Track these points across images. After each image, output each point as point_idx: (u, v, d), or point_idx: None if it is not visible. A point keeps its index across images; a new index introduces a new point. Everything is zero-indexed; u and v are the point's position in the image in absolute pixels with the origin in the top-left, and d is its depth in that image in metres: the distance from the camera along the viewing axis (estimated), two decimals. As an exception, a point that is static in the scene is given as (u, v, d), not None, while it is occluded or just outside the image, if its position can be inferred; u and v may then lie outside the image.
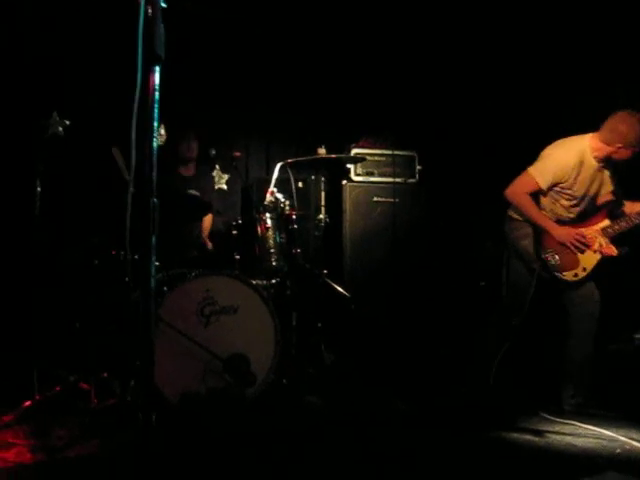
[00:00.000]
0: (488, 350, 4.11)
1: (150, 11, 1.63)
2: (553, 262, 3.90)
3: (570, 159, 3.88)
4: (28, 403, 3.64)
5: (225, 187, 4.83)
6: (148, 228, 1.65)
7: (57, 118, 4.73)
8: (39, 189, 3.82)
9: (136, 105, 1.65)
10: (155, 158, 1.69)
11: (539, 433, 3.51)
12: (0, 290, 4.58)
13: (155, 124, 1.68)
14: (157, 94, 1.69)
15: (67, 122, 4.59)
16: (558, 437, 3.46)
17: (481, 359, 4.16)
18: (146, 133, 1.68)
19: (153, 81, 1.69)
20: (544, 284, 3.99)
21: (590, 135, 3.92)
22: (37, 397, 3.69)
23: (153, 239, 1.65)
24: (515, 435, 3.49)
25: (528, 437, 3.45)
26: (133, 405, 3.49)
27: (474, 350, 4.32)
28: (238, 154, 4.69)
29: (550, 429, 3.58)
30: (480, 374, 4.10)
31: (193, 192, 4.69)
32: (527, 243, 4.01)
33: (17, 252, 4.46)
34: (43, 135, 3.97)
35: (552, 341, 4.26)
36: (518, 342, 4.11)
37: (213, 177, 4.71)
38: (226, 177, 4.90)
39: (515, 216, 4.10)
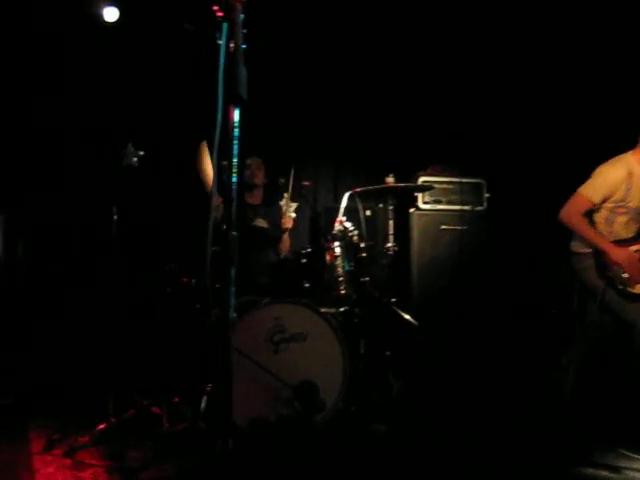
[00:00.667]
0: (565, 381, 4.04)
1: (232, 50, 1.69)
2: (621, 276, 3.85)
3: (618, 171, 3.95)
4: (103, 425, 3.75)
5: (293, 215, 4.89)
6: (228, 259, 1.70)
7: (132, 149, 4.92)
8: (115, 217, 3.97)
9: (217, 142, 1.72)
10: (235, 193, 1.75)
11: (616, 470, 3.39)
12: (78, 315, 4.76)
13: (235, 160, 1.75)
14: (237, 131, 1.76)
15: (141, 153, 4.76)
16: (637, 475, 3.34)
17: (558, 389, 4.09)
18: (226, 169, 1.74)
19: (232, 118, 1.75)
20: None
21: (632, 151, 4.02)
22: (112, 420, 3.80)
23: (232, 271, 1.70)
24: (590, 471, 3.39)
25: (604, 474, 3.35)
26: (204, 430, 3.56)
27: (549, 379, 4.24)
28: (307, 183, 4.76)
29: (628, 466, 3.45)
30: (555, 404, 4.03)
31: (261, 222, 4.78)
32: (591, 274, 3.98)
33: (94, 278, 4.64)
34: (119, 165, 4.11)
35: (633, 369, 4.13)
36: (596, 373, 4.02)
37: (281, 206, 4.78)
38: (294, 206, 4.97)
39: (575, 249, 4.10)
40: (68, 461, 3.44)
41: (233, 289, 1.71)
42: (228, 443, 1.73)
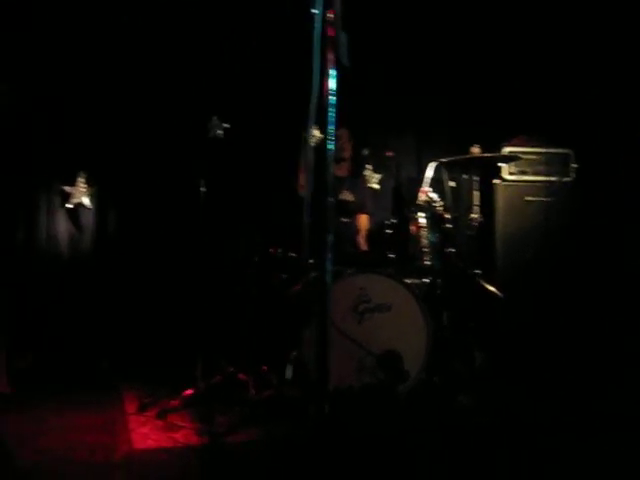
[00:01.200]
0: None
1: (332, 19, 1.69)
2: None
3: None
4: (192, 390, 3.87)
5: (377, 187, 4.88)
6: (325, 226, 1.72)
7: (217, 121, 5.00)
8: (203, 189, 4.05)
9: (313, 108, 1.72)
10: (331, 160, 1.76)
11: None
12: (168, 285, 4.90)
13: (331, 128, 1.75)
14: (334, 98, 1.76)
15: (226, 125, 4.83)
16: None
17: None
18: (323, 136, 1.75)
19: (328, 85, 1.76)
20: None
21: None
22: (200, 385, 3.91)
23: (330, 237, 1.72)
24: None
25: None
26: (290, 397, 3.64)
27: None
28: (390, 153, 4.73)
29: None
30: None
31: (347, 194, 4.78)
32: None
33: (183, 249, 4.76)
34: (205, 137, 4.18)
35: None
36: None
37: (365, 176, 4.77)
38: (378, 177, 4.95)
39: None
40: (160, 422, 3.59)
41: (330, 255, 1.73)
42: (324, 408, 1.76)
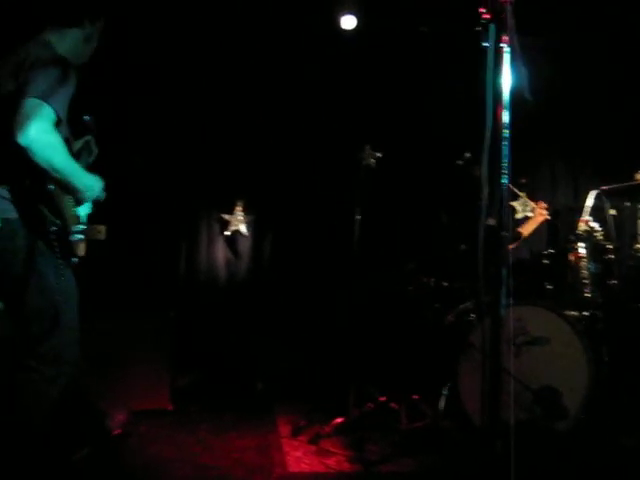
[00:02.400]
0: None
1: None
2: None
3: None
4: (344, 417, 3.91)
5: (530, 215, 4.74)
6: (500, 260, 1.70)
7: (370, 150, 5.07)
8: (358, 217, 4.11)
9: (486, 144, 1.72)
10: (505, 194, 1.75)
11: None
12: (321, 312, 5.00)
13: (505, 161, 1.74)
14: (506, 132, 1.75)
15: (378, 154, 4.89)
16: None
17: None
18: (495, 170, 1.74)
19: (501, 119, 1.75)
20: None
21: None
22: (353, 412, 3.95)
23: (504, 271, 1.70)
24: None
25: None
26: (443, 429, 3.59)
27: None
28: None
29: None
30: None
31: (491, 221, 4.68)
32: None
33: (337, 277, 4.84)
34: (358, 166, 4.25)
35: None
36: None
37: (514, 206, 4.66)
38: (531, 205, 4.82)
39: None
40: (313, 447, 3.65)
41: (505, 289, 1.71)
42: (496, 445, 1.72)
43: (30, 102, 2.31)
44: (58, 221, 2.51)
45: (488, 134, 1.73)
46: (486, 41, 1.79)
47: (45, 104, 2.33)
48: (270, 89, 5.21)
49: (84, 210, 2.72)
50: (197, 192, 5.15)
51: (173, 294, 4.98)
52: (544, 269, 4.05)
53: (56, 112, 2.37)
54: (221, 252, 5.25)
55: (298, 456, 3.51)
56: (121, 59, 4.45)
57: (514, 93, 1.72)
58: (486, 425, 1.79)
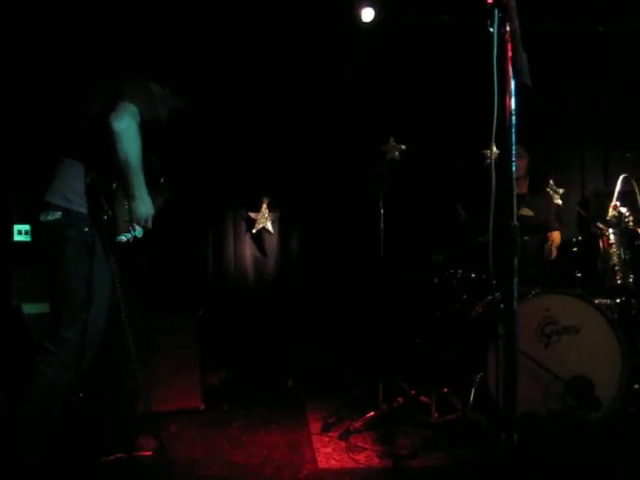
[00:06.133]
0: None
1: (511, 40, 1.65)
2: None
3: None
4: (374, 412, 3.90)
5: (560, 202, 4.67)
6: (510, 250, 1.67)
7: (394, 143, 5.05)
8: (382, 210, 4.09)
9: (494, 129, 1.69)
10: (515, 182, 1.71)
11: None
12: (348, 307, 4.99)
13: (514, 148, 1.71)
14: (514, 119, 1.71)
15: (403, 147, 4.87)
16: None
17: None
18: (505, 157, 1.71)
19: (510, 106, 1.71)
20: None
21: None
22: (382, 407, 3.93)
23: (515, 261, 1.67)
24: None
25: None
26: (474, 421, 3.55)
27: None
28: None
29: None
30: None
31: (526, 211, 4.62)
32: None
33: (363, 271, 4.83)
34: (383, 160, 4.22)
35: None
36: None
37: (548, 193, 4.58)
38: (561, 191, 4.74)
39: None
40: (343, 443, 3.64)
41: (516, 280, 1.67)
42: (512, 436, 1.70)
43: (127, 103, 2.67)
44: (110, 213, 2.76)
45: (495, 120, 1.69)
46: (491, 26, 1.75)
47: (137, 109, 2.70)
48: (294, 86, 5.19)
49: (139, 232, 2.94)
50: (224, 191, 5.17)
51: (202, 293, 5.01)
52: (573, 256, 3.98)
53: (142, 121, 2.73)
54: (249, 250, 5.27)
55: (328, 452, 3.50)
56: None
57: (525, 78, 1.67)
58: (502, 416, 1.75)
